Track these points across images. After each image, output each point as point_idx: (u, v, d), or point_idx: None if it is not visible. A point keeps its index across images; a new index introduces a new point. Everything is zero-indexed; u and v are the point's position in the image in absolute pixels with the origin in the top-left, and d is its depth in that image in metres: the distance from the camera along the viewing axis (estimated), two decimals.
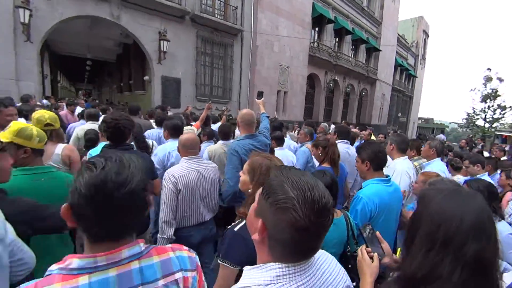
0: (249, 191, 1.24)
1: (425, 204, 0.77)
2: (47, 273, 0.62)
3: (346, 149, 3.27)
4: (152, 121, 4.50)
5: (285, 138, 4.00)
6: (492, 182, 2.74)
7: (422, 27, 26.05)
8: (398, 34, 21.26)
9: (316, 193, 0.58)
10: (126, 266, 0.64)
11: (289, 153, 3.50)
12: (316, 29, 14.03)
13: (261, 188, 0.65)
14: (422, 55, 28.00)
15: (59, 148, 2.02)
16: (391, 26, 19.38)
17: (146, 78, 9.27)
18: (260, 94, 3.00)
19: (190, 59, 9.13)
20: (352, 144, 3.70)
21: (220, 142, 3.06)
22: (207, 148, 3.02)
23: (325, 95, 15.55)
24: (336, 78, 15.74)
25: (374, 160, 1.78)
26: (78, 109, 6.23)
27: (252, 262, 1.01)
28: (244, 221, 1.14)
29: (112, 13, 7.28)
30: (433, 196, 0.77)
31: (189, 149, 2.01)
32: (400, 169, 2.37)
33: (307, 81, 13.59)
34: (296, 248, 0.61)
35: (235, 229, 1.13)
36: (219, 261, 1.11)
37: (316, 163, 2.83)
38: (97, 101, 13.02)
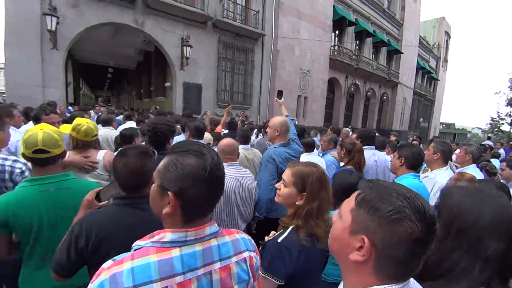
0: (298, 203, 1.14)
1: (446, 198, 0.82)
2: (135, 246, 0.67)
3: (371, 156, 2.93)
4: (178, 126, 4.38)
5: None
6: None
7: (444, 28, 25.10)
8: (420, 36, 20.50)
9: (422, 202, 0.54)
10: (207, 242, 0.71)
11: (318, 158, 3.24)
12: (337, 32, 13.67)
13: (354, 203, 0.59)
14: (444, 57, 26.92)
15: (100, 154, 1.94)
16: (413, 27, 18.70)
17: (167, 84, 9.21)
18: (280, 94, 2.84)
19: (211, 65, 8.98)
20: (381, 149, 3.32)
21: (240, 146, 2.88)
22: None
23: (345, 100, 15.06)
24: (357, 82, 15.23)
25: (410, 159, 1.95)
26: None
27: (298, 276, 1.06)
28: (287, 231, 1.09)
29: (136, 19, 7.24)
30: (456, 191, 0.82)
31: (228, 155, 1.90)
32: (442, 182, 2.10)
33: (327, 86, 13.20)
34: (410, 264, 0.55)
35: (279, 240, 1.07)
36: (260, 273, 1.04)
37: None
38: (114, 109, 13.14)
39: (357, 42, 15.13)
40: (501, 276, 0.70)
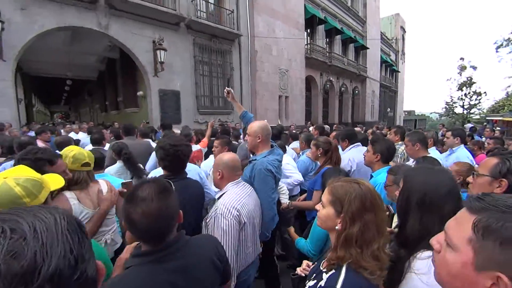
0: (337, 227, 0.93)
1: (409, 182, 1.02)
2: None
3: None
4: (151, 141, 4.01)
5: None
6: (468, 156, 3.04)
7: (399, 23, 26.89)
8: (380, 31, 21.64)
9: None
10: None
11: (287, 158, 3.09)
12: (308, 30, 13.74)
13: (472, 232, 0.50)
14: (402, 50, 28.87)
15: (104, 185, 1.60)
16: (374, 24, 19.67)
17: (140, 93, 8.37)
18: (228, 82, 2.59)
19: (188, 69, 8.33)
20: (366, 145, 3.25)
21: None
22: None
23: (322, 96, 15.24)
24: (331, 78, 15.51)
25: (385, 154, 2.05)
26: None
27: None
28: (343, 272, 0.86)
29: (99, 22, 6.38)
30: (415, 174, 1.04)
31: (237, 171, 1.65)
32: None
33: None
34: None
35: (337, 286, 0.83)
36: None
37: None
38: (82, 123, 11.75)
39: (327, 40, 15.42)
40: None
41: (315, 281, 0.94)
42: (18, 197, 0.86)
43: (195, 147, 3.56)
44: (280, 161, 2.03)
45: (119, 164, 2.57)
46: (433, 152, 2.86)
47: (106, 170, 2.29)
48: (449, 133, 3.33)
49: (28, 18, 5.49)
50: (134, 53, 7.19)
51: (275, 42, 10.64)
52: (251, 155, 2.13)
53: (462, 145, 3.21)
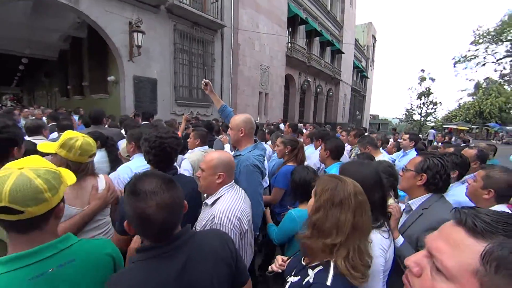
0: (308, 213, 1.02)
1: (344, 174, 1.11)
2: None
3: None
4: (123, 131, 3.69)
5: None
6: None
7: (372, 32, 28.43)
8: (355, 38, 22.64)
9: None
10: None
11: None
12: (289, 29, 13.83)
13: (480, 263, 0.42)
14: (372, 57, 30.59)
15: (101, 181, 1.41)
16: (350, 30, 20.50)
17: (111, 78, 7.65)
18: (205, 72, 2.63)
19: (167, 57, 7.83)
20: None
21: (199, 149, 2.65)
22: (188, 156, 2.54)
23: (299, 96, 15.50)
24: (309, 79, 15.84)
25: (334, 151, 2.27)
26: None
27: None
28: (331, 268, 0.85)
29: None
30: (348, 167, 1.24)
31: (233, 173, 1.53)
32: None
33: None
34: None
35: (328, 282, 0.83)
36: None
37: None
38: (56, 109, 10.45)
39: (307, 40, 15.69)
40: (382, 212, 1.15)
41: (299, 277, 0.93)
42: (39, 191, 0.71)
43: None
44: (264, 156, 1.96)
45: (101, 153, 2.28)
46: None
47: None
48: (407, 136, 3.73)
49: None
50: (107, 33, 6.53)
51: (258, 37, 10.52)
52: (234, 150, 2.01)
53: (414, 149, 3.61)
